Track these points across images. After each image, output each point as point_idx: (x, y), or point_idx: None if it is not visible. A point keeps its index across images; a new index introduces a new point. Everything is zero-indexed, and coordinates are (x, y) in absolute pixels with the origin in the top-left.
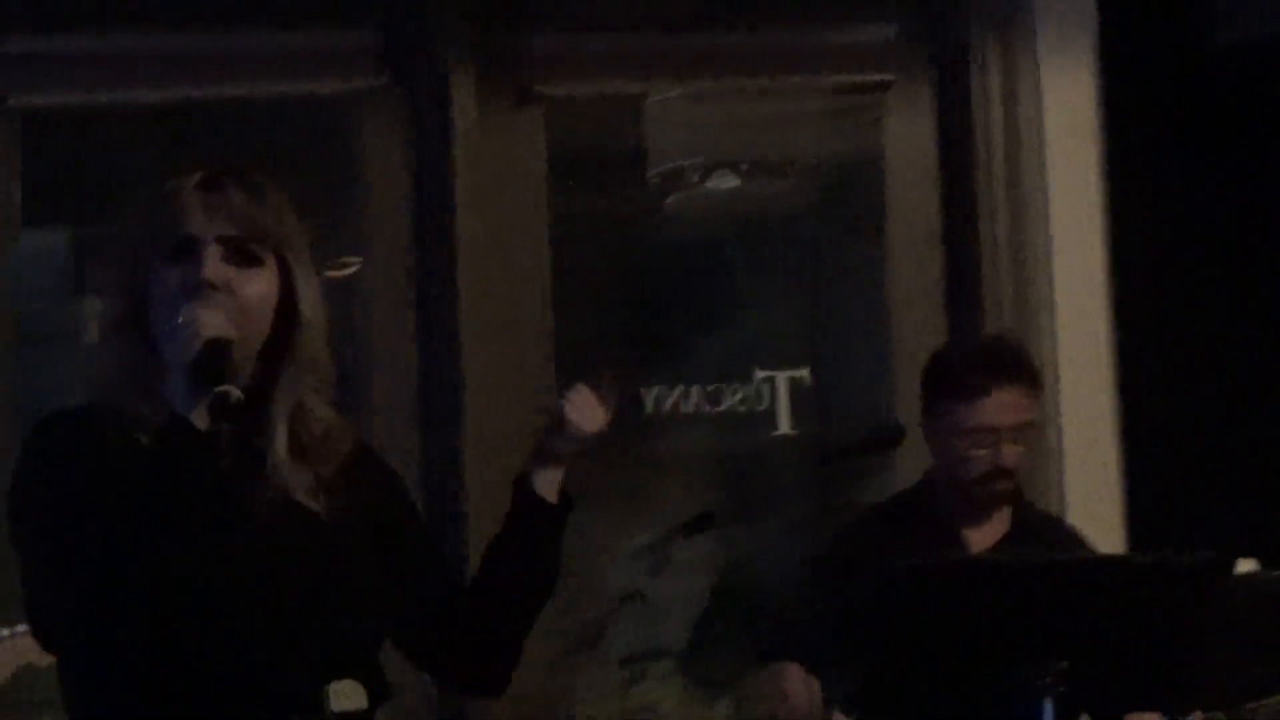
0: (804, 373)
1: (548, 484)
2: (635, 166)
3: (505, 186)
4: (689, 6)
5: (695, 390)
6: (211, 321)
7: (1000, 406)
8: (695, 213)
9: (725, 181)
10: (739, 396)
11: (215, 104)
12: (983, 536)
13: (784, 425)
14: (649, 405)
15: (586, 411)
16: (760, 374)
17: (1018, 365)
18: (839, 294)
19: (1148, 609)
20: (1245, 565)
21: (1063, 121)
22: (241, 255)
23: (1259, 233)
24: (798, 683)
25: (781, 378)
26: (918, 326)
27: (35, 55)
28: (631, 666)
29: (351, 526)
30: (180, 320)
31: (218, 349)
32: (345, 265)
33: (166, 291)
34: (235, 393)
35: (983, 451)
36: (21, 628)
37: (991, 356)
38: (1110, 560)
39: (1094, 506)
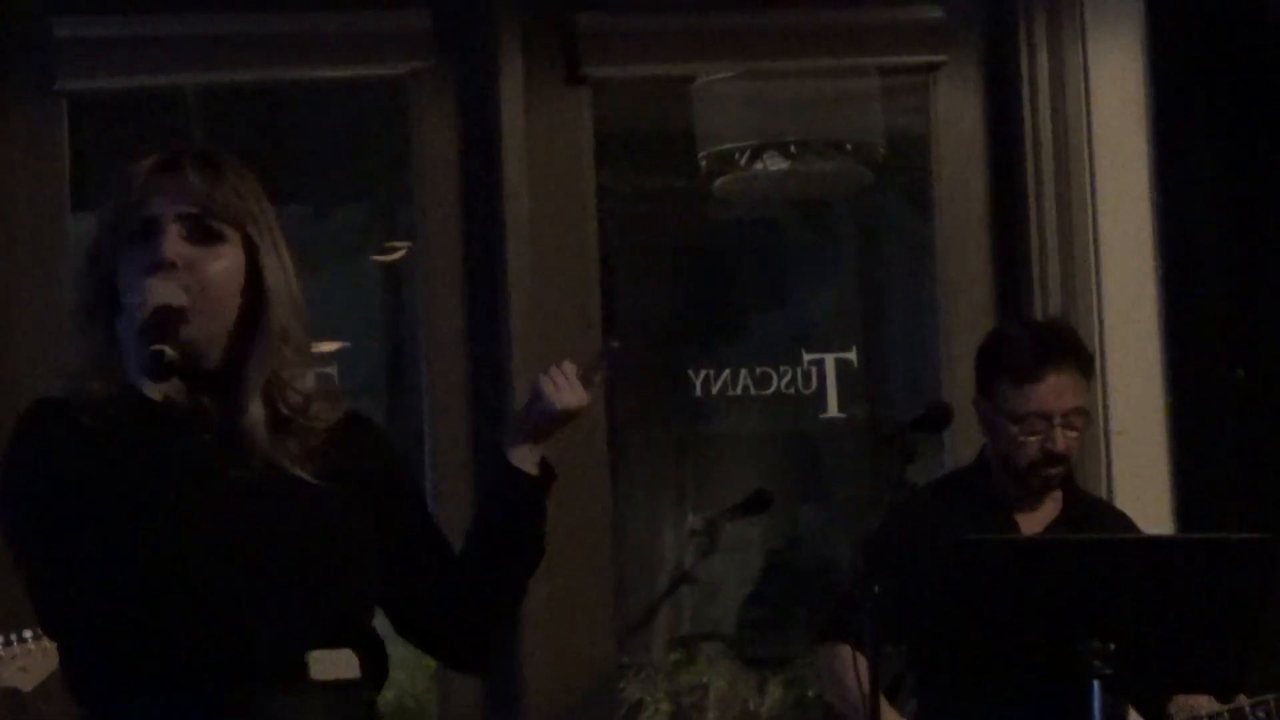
0: (852, 355)
1: (524, 457)
2: (684, 148)
3: (554, 168)
4: None
5: (744, 373)
6: (162, 290)
7: (1054, 392)
8: (744, 195)
9: (774, 163)
10: (788, 379)
11: (263, 87)
12: (1035, 518)
13: (832, 407)
14: (698, 388)
15: (565, 388)
16: (809, 356)
17: (1072, 350)
18: (887, 276)
19: (1199, 589)
20: None
21: (1111, 101)
22: (203, 233)
23: None
24: (848, 664)
25: (830, 360)
26: (966, 308)
27: (82, 39)
28: (682, 648)
29: (344, 494)
30: (134, 295)
31: (164, 313)
32: (394, 249)
33: (132, 274)
34: (169, 352)
35: (1035, 437)
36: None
37: (1047, 341)
38: (1162, 540)
39: (1142, 490)
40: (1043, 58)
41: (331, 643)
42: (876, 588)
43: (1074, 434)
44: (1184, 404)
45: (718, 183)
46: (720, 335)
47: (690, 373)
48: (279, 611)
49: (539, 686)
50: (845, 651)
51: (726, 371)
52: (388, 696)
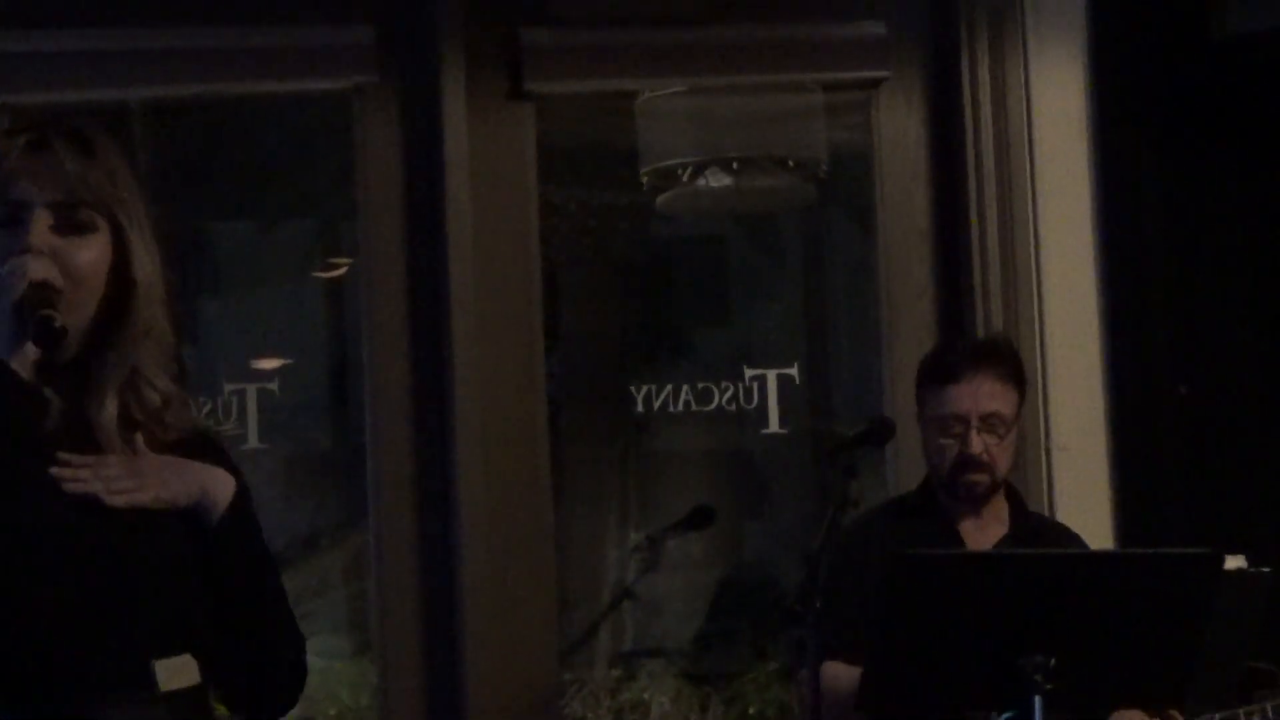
0: (794, 370)
1: None
2: (627, 163)
3: (497, 183)
4: (680, 3)
5: (686, 389)
6: (39, 267)
7: (971, 393)
8: (687, 210)
9: (717, 179)
10: (729, 394)
11: (206, 102)
12: (981, 538)
13: (774, 423)
14: (640, 404)
15: None
16: (750, 372)
17: (992, 355)
18: (830, 292)
19: (1140, 604)
20: (1233, 562)
21: (1053, 116)
22: (71, 223)
23: (1250, 228)
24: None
25: (772, 375)
26: (908, 324)
27: (21, 53)
28: (624, 664)
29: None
30: (5, 270)
31: (44, 288)
32: (337, 265)
33: None
34: (58, 316)
35: (953, 439)
36: None
37: (970, 346)
38: (1103, 555)
39: (1084, 506)
40: (985, 73)
41: (173, 649)
42: (818, 603)
43: (994, 440)
44: (1126, 420)
45: (661, 198)
46: (663, 351)
47: (632, 389)
48: (122, 616)
49: (481, 703)
50: (847, 675)
51: (669, 387)
52: (330, 712)
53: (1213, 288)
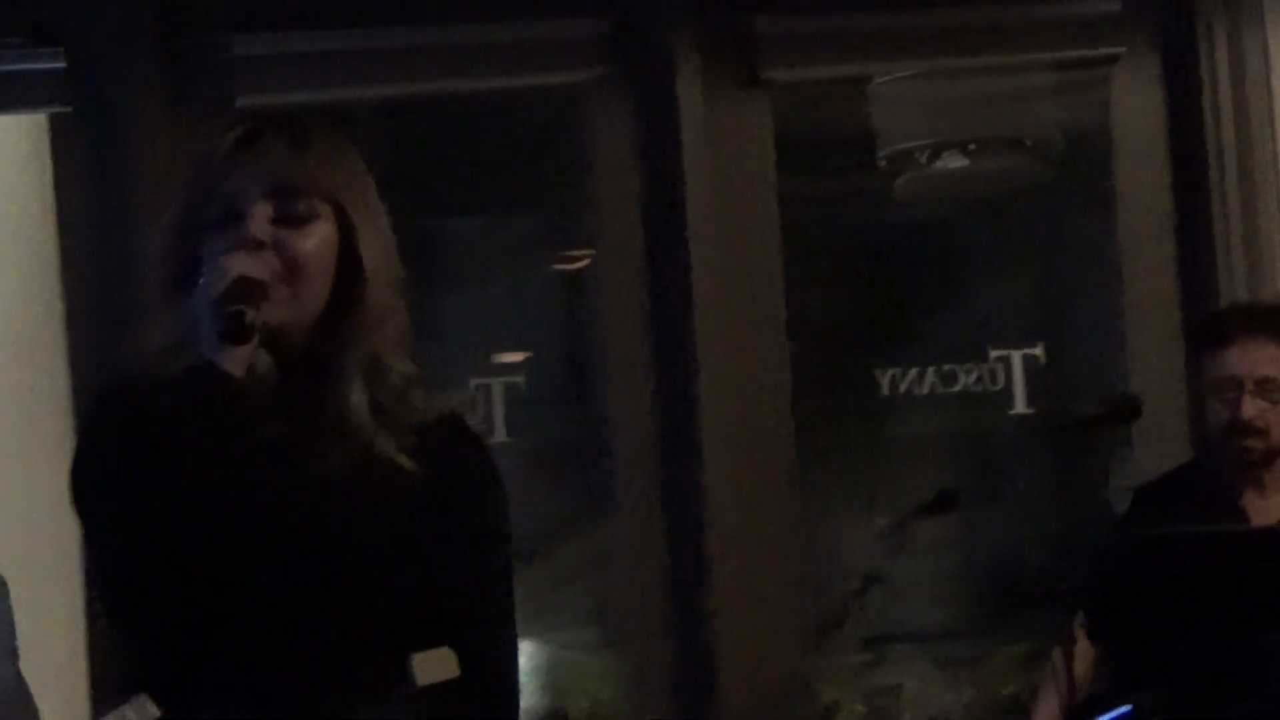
0: (1038, 350)
1: None
2: (863, 149)
3: (733, 173)
4: None
5: (930, 371)
6: (244, 262)
7: (1242, 357)
8: (925, 193)
9: (954, 161)
10: (974, 376)
11: (440, 99)
12: (1265, 506)
13: (1020, 404)
14: (884, 388)
15: None
16: (994, 353)
17: (1267, 319)
18: (1071, 270)
19: None
20: None
21: None
22: (291, 213)
23: None
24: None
25: (1016, 356)
26: (1151, 300)
27: (260, 56)
28: (873, 649)
29: (439, 486)
30: (215, 268)
31: (245, 284)
32: (575, 258)
33: (215, 256)
34: (249, 312)
35: (1223, 403)
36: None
37: (1241, 309)
38: None
39: None
40: (1222, 45)
41: (431, 643)
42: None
43: (1269, 405)
44: None
45: (898, 182)
46: (904, 335)
47: (876, 373)
48: (378, 609)
49: (730, 691)
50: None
51: (913, 371)
52: (581, 704)
53: None
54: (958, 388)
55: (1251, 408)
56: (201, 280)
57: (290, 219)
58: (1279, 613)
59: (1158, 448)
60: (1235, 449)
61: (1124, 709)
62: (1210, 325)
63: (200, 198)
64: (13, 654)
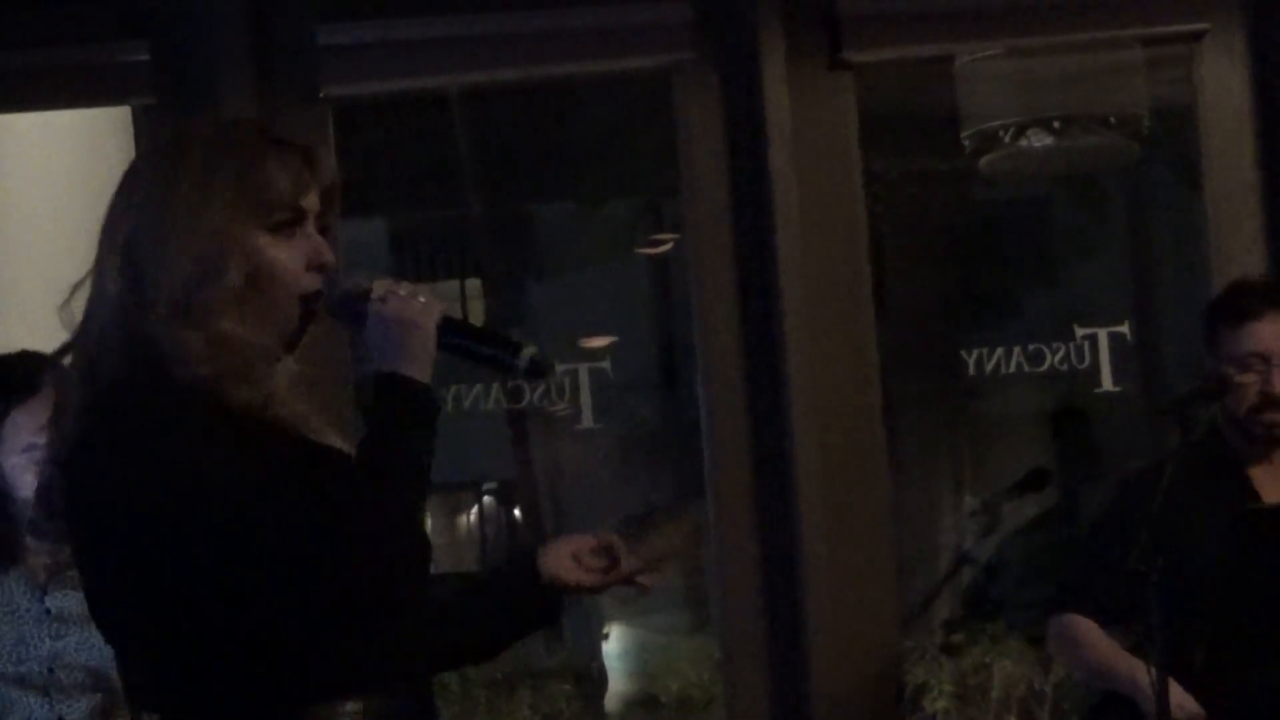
0: (1125, 328)
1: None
2: (948, 128)
3: (820, 154)
4: None
5: (1017, 350)
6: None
7: (1271, 332)
8: (1009, 172)
9: (1039, 139)
10: (1060, 355)
11: (525, 85)
12: (1275, 483)
13: (1107, 382)
14: (971, 367)
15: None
16: (1081, 331)
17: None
18: (1158, 248)
19: None
20: None
21: None
22: (330, 219)
23: None
24: (1090, 629)
25: (1103, 334)
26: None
27: (345, 46)
28: (964, 629)
29: None
30: (349, 286)
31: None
32: (661, 242)
33: (269, 265)
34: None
35: (1252, 378)
36: None
37: (1266, 285)
38: None
39: None
40: None
41: None
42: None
43: None
44: None
45: (983, 161)
46: (991, 314)
47: (963, 353)
48: None
49: (824, 672)
50: (1082, 619)
51: (999, 350)
52: (672, 688)
53: None
54: (1044, 367)
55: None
56: (342, 290)
57: (324, 228)
58: None
59: None
60: (1262, 423)
61: None
62: (1236, 301)
63: (259, 204)
64: None
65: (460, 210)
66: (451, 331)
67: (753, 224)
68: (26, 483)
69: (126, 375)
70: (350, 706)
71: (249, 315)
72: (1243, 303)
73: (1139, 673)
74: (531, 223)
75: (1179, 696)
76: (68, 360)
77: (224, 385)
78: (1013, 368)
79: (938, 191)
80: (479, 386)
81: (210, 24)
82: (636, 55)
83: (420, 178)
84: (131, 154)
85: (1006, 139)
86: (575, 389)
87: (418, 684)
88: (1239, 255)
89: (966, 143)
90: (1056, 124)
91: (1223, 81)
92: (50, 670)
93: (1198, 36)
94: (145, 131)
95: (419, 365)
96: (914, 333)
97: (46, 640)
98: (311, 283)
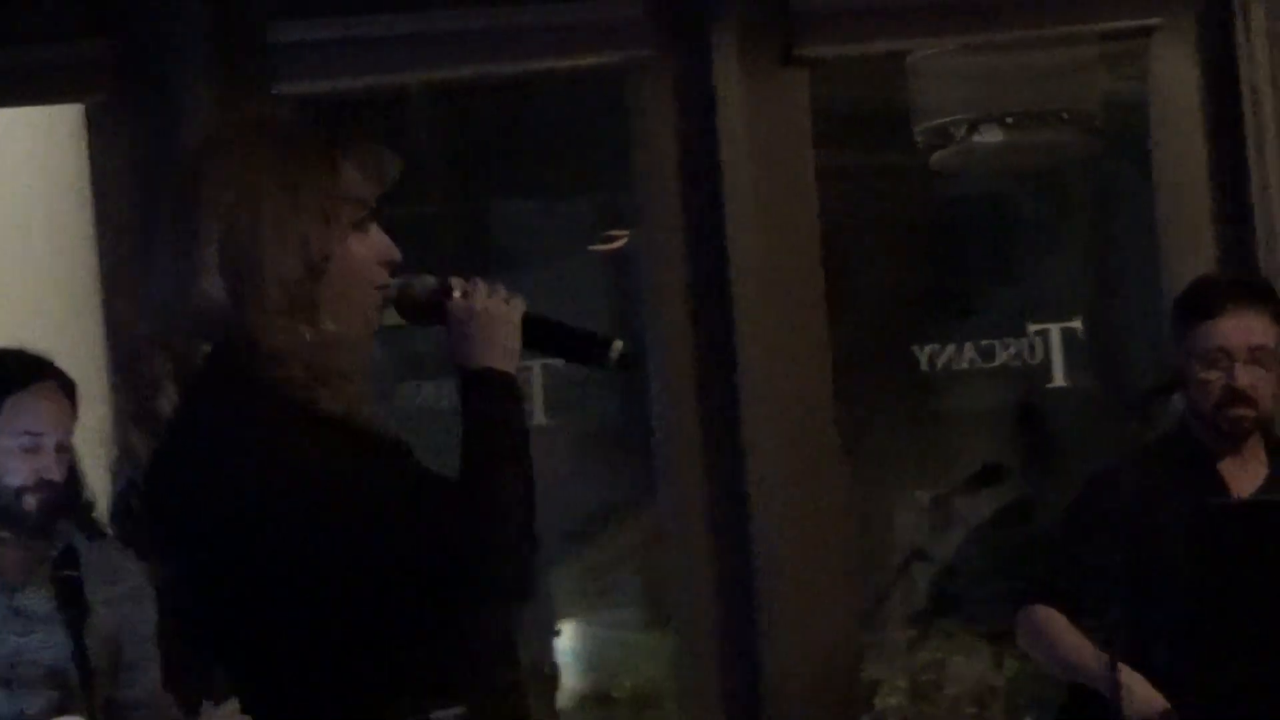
0: (1077, 324)
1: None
2: (902, 124)
3: (773, 150)
4: None
5: (969, 346)
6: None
7: (1237, 327)
8: (962, 168)
9: (992, 135)
10: (1012, 350)
11: (482, 82)
12: (1244, 476)
13: (1060, 378)
14: (924, 363)
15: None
16: (1034, 327)
17: (1254, 289)
18: (1110, 244)
19: None
20: None
21: None
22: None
23: None
24: (1061, 623)
25: (1055, 330)
26: (1191, 273)
27: (299, 43)
28: (918, 625)
29: None
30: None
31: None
32: (614, 239)
33: (354, 262)
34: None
35: (1218, 373)
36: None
37: (1232, 280)
38: None
39: None
40: (1258, 14)
41: None
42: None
43: (1261, 373)
44: None
45: (935, 157)
46: (944, 310)
47: (915, 349)
48: None
49: (779, 670)
50: (1053, 613)
51: (951, 346)
52: (626, 685)
53: None
54: (996, 362)
55: (1246, 377)
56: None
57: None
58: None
59: None
60: (1229, 418)
61: None
62: (1200, 296)
63: (337, 201)
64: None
65: (416, 207)
66: (538, 326)
67: (706, 220)
68: (9, 469)
69: (223, 375)
70: (456, 710)
71: (342, 312)
72: (1207, 299)
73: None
74: (488, 219)
75: (1146, 692)
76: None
77: (317, 385)
78: (965, 364)
79: (891, 187)
80: (430, 384)
81: (168, 22)
82: (591, 52)
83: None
84: (85, 150)
85: (960, 135)
86: (528, 386)
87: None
88: (1190, 250)
89: (920, 139)
90: (1010, 120)
91: (1174, 76)
92: (13, 665)
93: (1149, 31)
94: (100, 128)
95: (509, 360)
96: (867, 329)
97: (11, 637)
98: (382, 277)
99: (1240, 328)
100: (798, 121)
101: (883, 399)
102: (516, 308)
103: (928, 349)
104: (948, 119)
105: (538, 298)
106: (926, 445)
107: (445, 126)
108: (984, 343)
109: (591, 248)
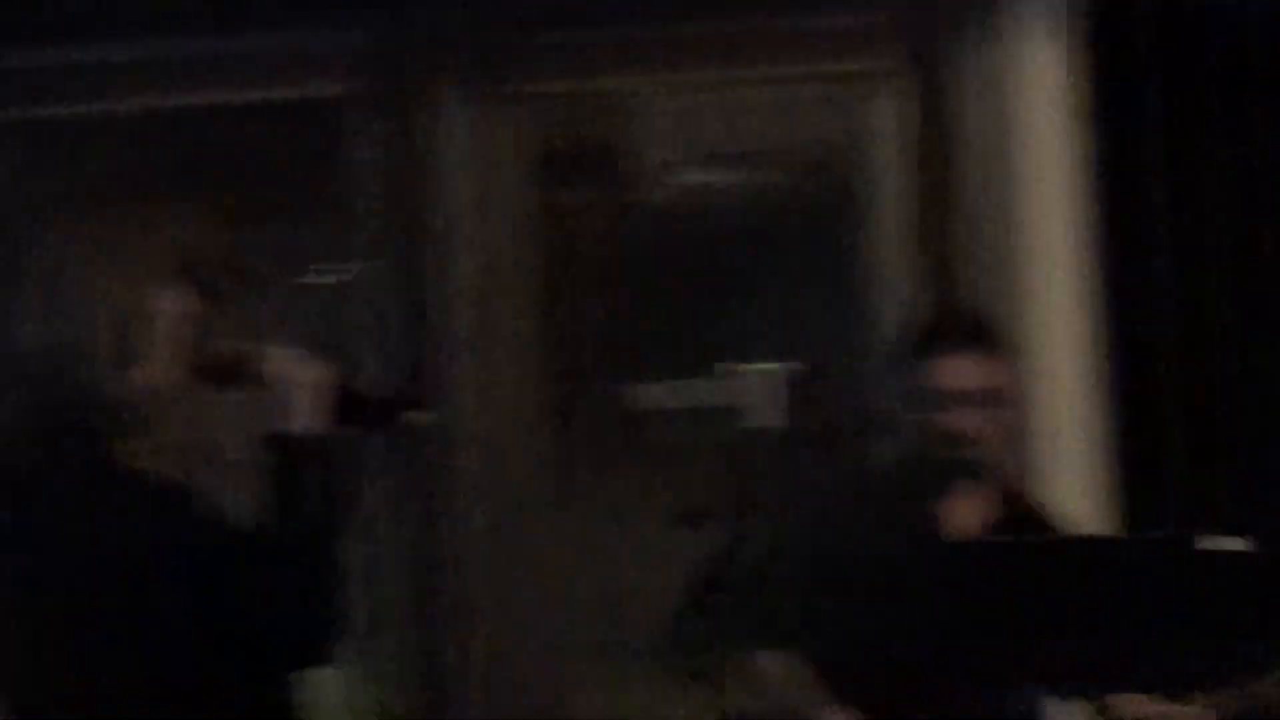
0: (782, 366)
1: None
2: (618, 161)
3: (491, 186)
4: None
5: (676, 384)
6: None
7: (955, 368)
8: (680, 208)
9: (710, 175)
10: (718, 391)
11: (196, 112)
12: (968, 515)
13: (764, 418)
14: (630, 401)
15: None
16: (739, 367)
17: (977, 328)
18: (817, 285)
19: (1113, 587)
20: (1231, 544)
21: (1039, 101)
22: None
23: (1246, 202)
24: (779, 672)
25: (758, 370)
26: (893, 315)
27: (13, 70)
28: (628, 665)
29: None
30: None
31: None
32: (330, 271)
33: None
34: None
35: (938, 414)
36: None
37: (951, 320)
38: (1071, 540)
39: (1075, 488)
40: (973, 63)
41: None
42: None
43: (983, 415)
44: (1120, 397)
45: (653, 196)
46: (653, 348)
47: (624, 387)
48: None
49: (486, 707)
50: (766, 656)
51: (658, 384)
52: None
53: (1211, 259)
54: (701, 403)
55: (965, 419)
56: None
57: None
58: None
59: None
60: (945, 461)
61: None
62: (921, 337)
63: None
64: None
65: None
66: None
67: (424, 257)
68: None
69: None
70: None
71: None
72: (927, 340)
73: (824, 714)
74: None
75: None
76: None
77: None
78: (671, 402)
79: (607, 226)
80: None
81: None
82: (310, 84)
83: (92, 203)
84: None
85: (677, 175)
86: None
87: None
88: (898, 294)
89: (637, 177)
90: (727, 160)
91: (890, 120)
92: None
93: (865, 76)
94: None
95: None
96: (577, 368)
97: None
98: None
99: (961, 368)
100: (517, 157)
101: (593, 438)
102: (320, 374)
103: (636, 387)
104: (666, 158)
105: (251, 329)
106: (636, 484)
107: (150, 154)
108: (690, 382)
109: (313, 281)
